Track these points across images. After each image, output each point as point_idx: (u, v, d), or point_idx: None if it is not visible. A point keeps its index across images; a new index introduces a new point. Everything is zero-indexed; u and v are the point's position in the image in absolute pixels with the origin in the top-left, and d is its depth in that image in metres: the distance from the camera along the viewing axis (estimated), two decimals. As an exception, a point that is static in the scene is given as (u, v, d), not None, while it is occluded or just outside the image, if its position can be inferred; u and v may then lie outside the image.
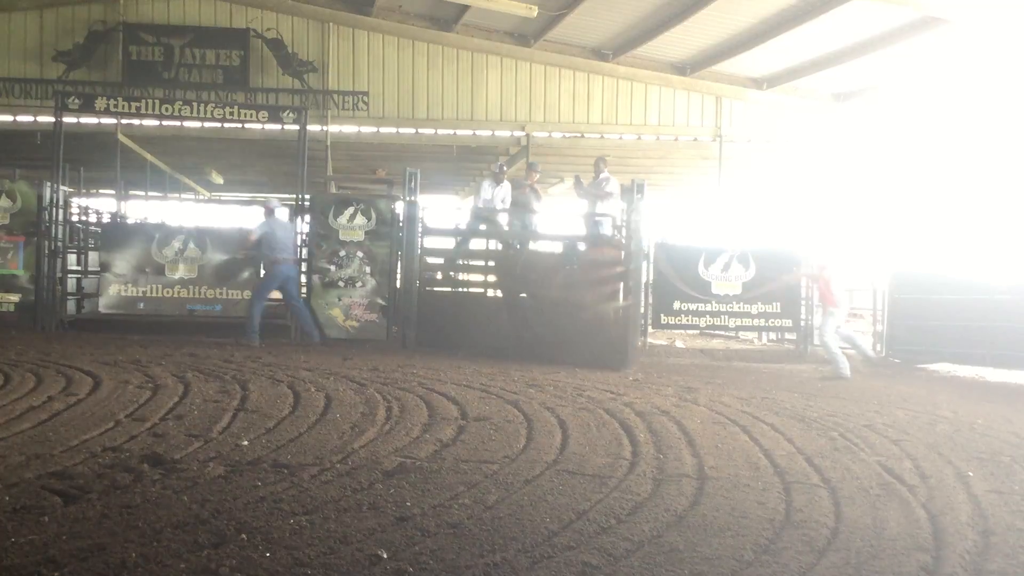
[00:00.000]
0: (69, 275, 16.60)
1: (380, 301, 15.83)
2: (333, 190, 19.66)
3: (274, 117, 17.58)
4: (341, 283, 15.77)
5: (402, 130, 21.66)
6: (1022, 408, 11.20)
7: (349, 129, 21.66)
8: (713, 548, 5.18)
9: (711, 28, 18.94)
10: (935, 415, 10.28)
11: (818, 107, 21.92)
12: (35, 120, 21.23)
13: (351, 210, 15.86)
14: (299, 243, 16.07)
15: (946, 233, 20.29)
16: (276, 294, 15.57)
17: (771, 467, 7.34)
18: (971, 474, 7.35)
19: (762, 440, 8.36)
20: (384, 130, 21.69)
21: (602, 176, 17.00)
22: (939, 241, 20.43)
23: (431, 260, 16.32)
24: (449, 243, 17.20)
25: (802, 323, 16.57)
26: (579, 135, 21.74)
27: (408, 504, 5.72)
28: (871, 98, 21.53)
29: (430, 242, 16.38)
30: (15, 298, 16.05)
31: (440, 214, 19.35)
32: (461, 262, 16.93)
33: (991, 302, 14.55)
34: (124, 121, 20.48)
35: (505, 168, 17.82)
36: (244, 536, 4.95)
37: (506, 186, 17.36)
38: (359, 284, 15.79)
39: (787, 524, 5.76)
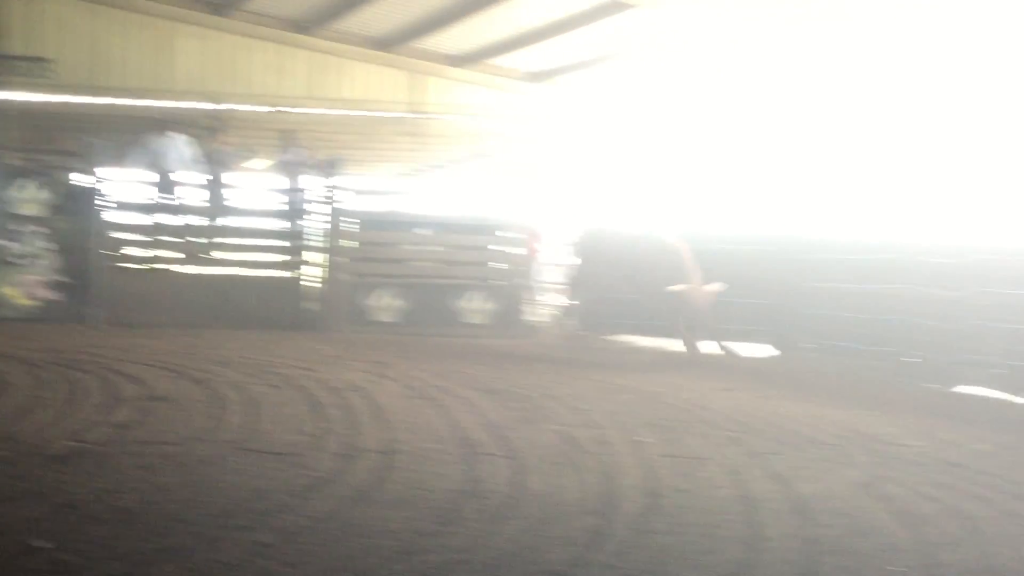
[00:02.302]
0: None
1: (64, 279, 14.98)
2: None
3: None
4: (16, 259, 14.81)
5: (95, 99, 20.53)
6: (699, 376, 11.86)
7: (29, 97, 20.33)
8: (393, 522, 5.20)
9: (410, 4, 18.94)
10: (617, 384, 10.74)
11: (513, 86, 22.33)
12: None
13: (27, 182, 14.92)
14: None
15: (639, 210, 21.12)
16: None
17: (458, 439, 7.46)
18: (646, 440, 7.72)
19: (451, 413, 8.48)
20: (73, 99, 20.49)
21: (297, 151, 16.78)
22: (629, 217, 21.28)
23: (122, 235, 15.58)
24: (143, 218, 16.43)
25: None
26: (277, 109, 21.30)
27: (76, 490, 5.45)
28: (569, 78, 22.12)
29: (124, 217, 15.65)
30: None
31: (135, 188, 18.53)
32: (158, 237, 16.21)
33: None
34: None
35: (172, 119, 16.96)
36: None
37: (180, 140, 16.59)
38: (38, 261, 14.87)
39: (469, 495, 5.87)
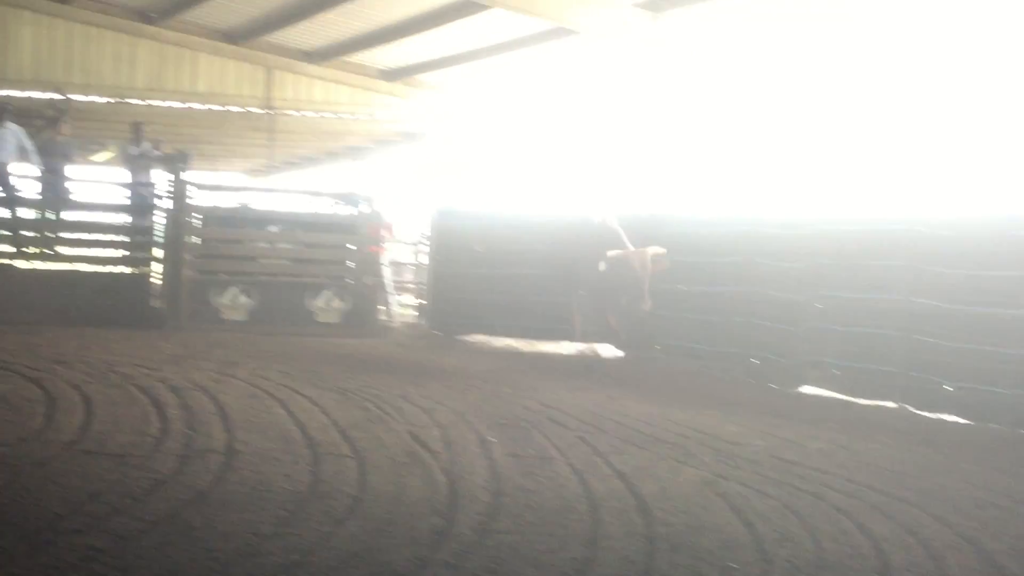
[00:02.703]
0: None
1: None
2: None
3: None
4: None
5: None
6: (546, 376, 11.95)
7: None
8: (232, 524, 5.09)
9: (260, -2, 18.67)
10: (467, 384, 10.74)
11: (368, 83, 22.18)
12: None
13: None
14: None
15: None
16: None
17: (303, 440, 7.34)
18: (493, 440, 7.72)
19: (298, 413, 8.35)
20: None
21: (144, 144, 16.34)
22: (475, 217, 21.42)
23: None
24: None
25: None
26: (123, 100, 20.71)
27: None
28: (426, 76, 22.09)
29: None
30: None
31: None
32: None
33: (520, 278, 15.39)
34: None
35: (10, 108, 16.22)
36: None
37: (18, 130, 15.91)
38: None
39: (311, 496, 5.78)
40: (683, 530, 5.50)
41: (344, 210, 16.94)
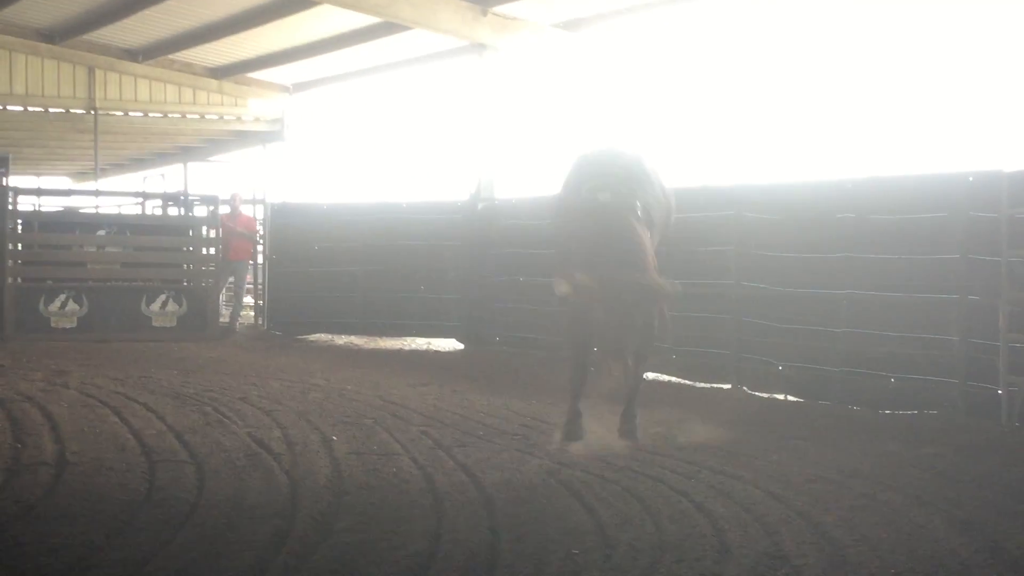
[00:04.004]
0: None
1: None
2: None
3: None
4: None
5: None
6: (388, 372, 11.89)
7: None
8: (63, 537, 4.91)
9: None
10: (308, 383, 10.61)
11: (196, 81, 21.64)
12: None
13: None
14: None
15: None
16: None
17: (139, 447, 7.15)
18: (335, 438, 7.64)
19: (132, 420, 8.12)
20: None
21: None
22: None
23: None
24: None
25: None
26: (-69, 103, 19.75)
27: None
28: (258, 73, 21.69)
29: None
30: None
31: None
32: None
33: (359, 275, 15.29)
34: None
35: None
36: None
37: None
38: None
39: (147, 503, 5.64)
40: (527, 520, 5.53)
41: (181, 211, 16.55)
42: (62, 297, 14.83)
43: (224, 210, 16.10)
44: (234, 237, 16.04)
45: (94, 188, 22.76)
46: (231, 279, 16.71)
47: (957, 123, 15.93)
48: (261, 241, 16.79)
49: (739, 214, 11.03)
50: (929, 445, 7.85)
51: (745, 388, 10.89)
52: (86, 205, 19.73)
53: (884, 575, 4.70)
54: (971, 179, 9.27)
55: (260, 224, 16.92)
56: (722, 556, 4.91)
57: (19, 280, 14.82)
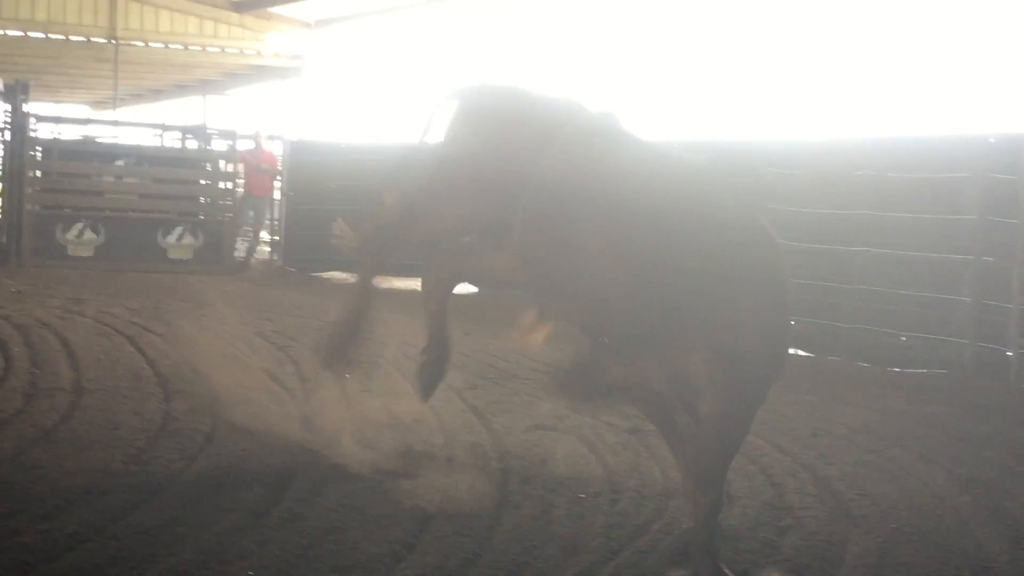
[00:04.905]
0: None
1: None
2: None
3: None
4: None
5: None
6: (402, 313, 11.86)
7: None
8: (80, 462, 5.01)
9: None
10: (322, 321, 10.65)
11: (217, 14, 21.53)
12: None
13: None
14: None
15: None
16: None
17: (154, 377, 7.26)
18: (348, 376, 7.69)
19: (148, 351, 8.21)
20: None
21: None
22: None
23: None
24: None
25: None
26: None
27: None
28: (277, 11, 21.63)
29: None
30: None
31: None
32: None
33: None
34: None
35: None
36: None
37: None
38: None
39: (162, 433, 5.73)
40: (536, 462, 5.61)
41: (199, 145, 16.57)
42: (79, 226, 14.89)
43: (246, 145, 16.12)
44: (257, 173, 16.07)
45: (113, 118, 22.78)
46: (251, 214, 16.73)
47: (980, 85, 15.82)
48: (280, 178, 16.81)
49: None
50: (936, 404, 7.91)
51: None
52: (105, 135, 19.71)
53: (884, 528, 4.77)
54: (991, 140, 9.25)
55: (278, 161, 16.94)
56: (727, 505, 4.98)
57: (38, 207, 14.89)
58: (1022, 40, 14.79)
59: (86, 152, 15.94)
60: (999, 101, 14.71)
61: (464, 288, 14.34)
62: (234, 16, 21.77)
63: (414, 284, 14.71)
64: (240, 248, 16.63)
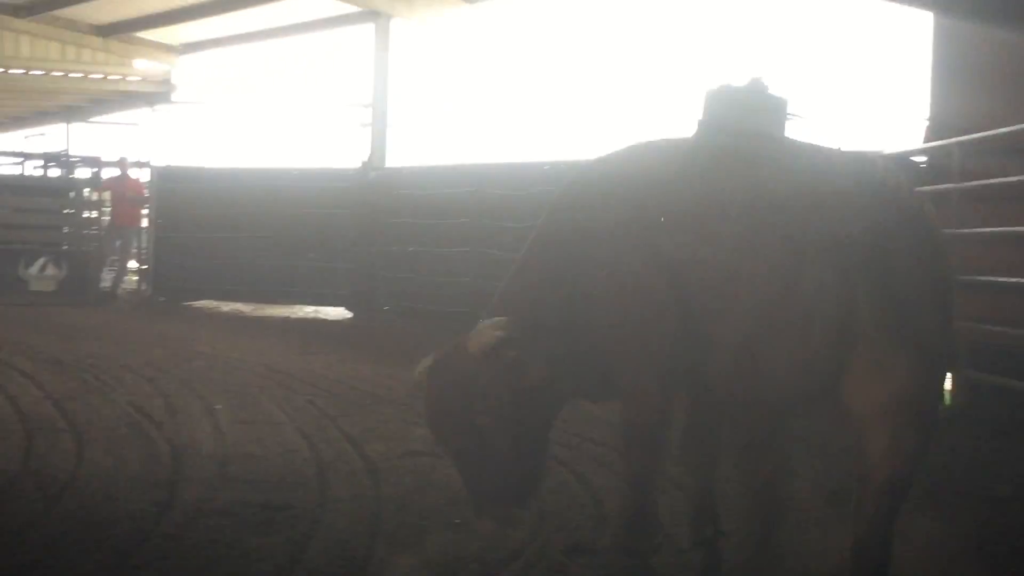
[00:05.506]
0: None
1: None
2: None
3: None
4: None
5: None
6: (275, 341, 11.81)
7: None
8: (-66, 509, 4.81)
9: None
10: (192, 351, 10.49)
11: (81, 39, 21.03)
12: None
13: None
14: None
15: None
16: None
17: (15, 414, 7.02)
18: (219, 407, 7.58)
19: (9, 387, 7.95)
20: None
21: None
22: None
23: None
24: None
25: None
26: None
27: None
28: (144, 36, 21.23)
29: None
30: None
31: None
32: None
33: (246, 241, 15.07)
34: None
35: None
36: None
37: None
38: None
39: (23, 473, 5.54)
40: (411, 489, 5.58)
41: (64, 172, 16.16)
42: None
43: (111, 172, 15.77)
44: (123, 202, 15.72)
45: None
46: (118, 243, 16.36)
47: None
48: (147, 206, 16.47)
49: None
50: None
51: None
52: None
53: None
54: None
55: (146, 188, 16.60)
56: (598, 524, 5.03)
57: None
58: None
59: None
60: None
61: (339, 313, 14.34)
62: (98, 41, 21.29)
63: (270, 310, 14.67)
64: (106, 279, 16.25)
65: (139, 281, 17.05)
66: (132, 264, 17.36)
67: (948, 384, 7.63)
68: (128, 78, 22.04)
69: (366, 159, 14.93)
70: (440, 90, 18.65)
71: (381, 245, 13.87)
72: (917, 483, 5.01)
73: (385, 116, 15.51)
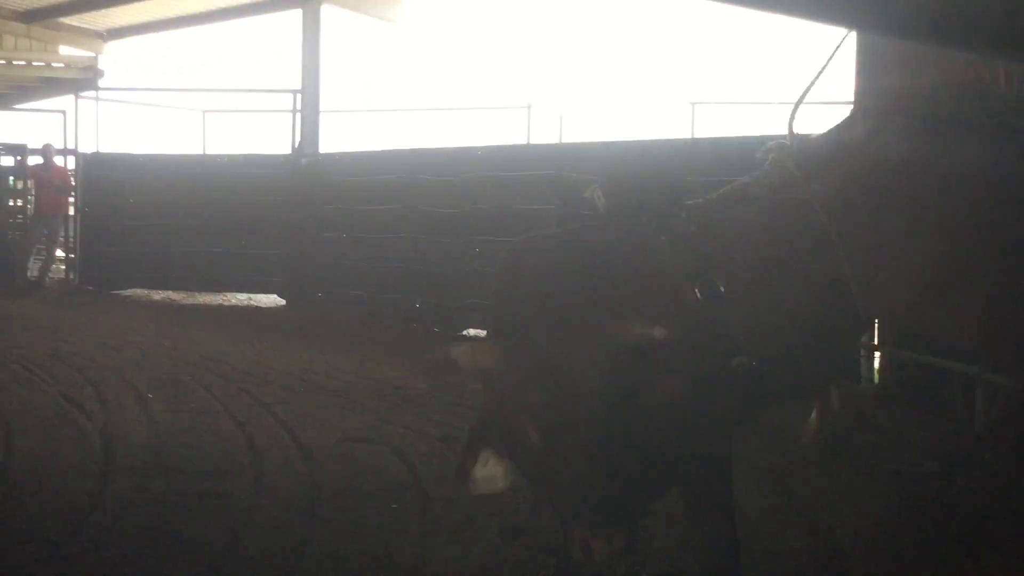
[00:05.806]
0: None
1: None
2: None
3: None
4: None
5: None
6: (208, 329, 11.69)
7: None
8: None
9: None
10: (123, 340, 10.36)
11: (3, 26, 20.62)
12: None
13: None
14: None
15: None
16: None
17: (-59, 407, 6.90)
18: (151, 396, 7.51)
19: (-66, 379, 7.82)
20: None
21: None
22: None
23: None
24: None
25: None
26: None
27: None
28: (69, 21, 20.85)
29: None
30: None
31: None
32: None
33: (176, 229, 14.88)
34: None
35: None
36: None
37: None
38: None
39: (-49, 465, 5.46)
40: (347, 476, 5.58)
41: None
42: None
43: (35, 161, 15.49)
44: (47, 190, 15.44)
45: None
46: (44, 232, 16.06)
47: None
48: (74, 194, 16.17)
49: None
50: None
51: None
52: None
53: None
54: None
55: (72, 176, 16.30)
56: (535, 507, 5.06)
57: None
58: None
59: None
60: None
61: (272, 301, 14.22)
62: (21, 27, 20.85)
63: (202, 298, 14.53)
64: (33, 268, 15.96)
65: (66, 270, 16.77)
66: (59, 253, 17.05)
67: (876, 364, 7.82)
68: (53, 64, 21.62)
69: (297, 145, 14.80)
70: (371, 76, 18.58)
71: (314, 232, 13.76)
72: (847, 460, 5.14)
73: (316, 102, 15.36)
